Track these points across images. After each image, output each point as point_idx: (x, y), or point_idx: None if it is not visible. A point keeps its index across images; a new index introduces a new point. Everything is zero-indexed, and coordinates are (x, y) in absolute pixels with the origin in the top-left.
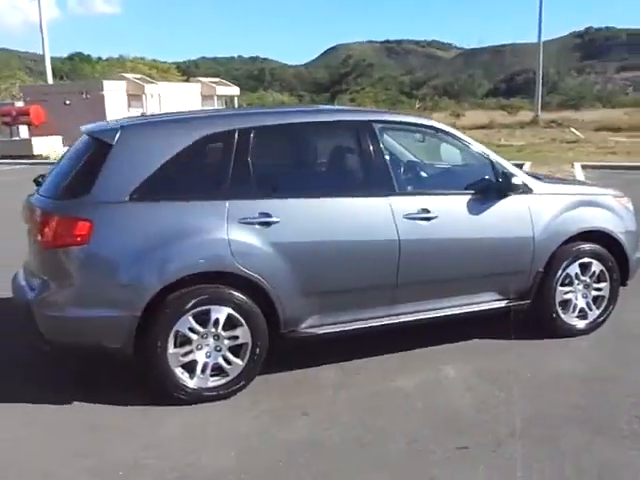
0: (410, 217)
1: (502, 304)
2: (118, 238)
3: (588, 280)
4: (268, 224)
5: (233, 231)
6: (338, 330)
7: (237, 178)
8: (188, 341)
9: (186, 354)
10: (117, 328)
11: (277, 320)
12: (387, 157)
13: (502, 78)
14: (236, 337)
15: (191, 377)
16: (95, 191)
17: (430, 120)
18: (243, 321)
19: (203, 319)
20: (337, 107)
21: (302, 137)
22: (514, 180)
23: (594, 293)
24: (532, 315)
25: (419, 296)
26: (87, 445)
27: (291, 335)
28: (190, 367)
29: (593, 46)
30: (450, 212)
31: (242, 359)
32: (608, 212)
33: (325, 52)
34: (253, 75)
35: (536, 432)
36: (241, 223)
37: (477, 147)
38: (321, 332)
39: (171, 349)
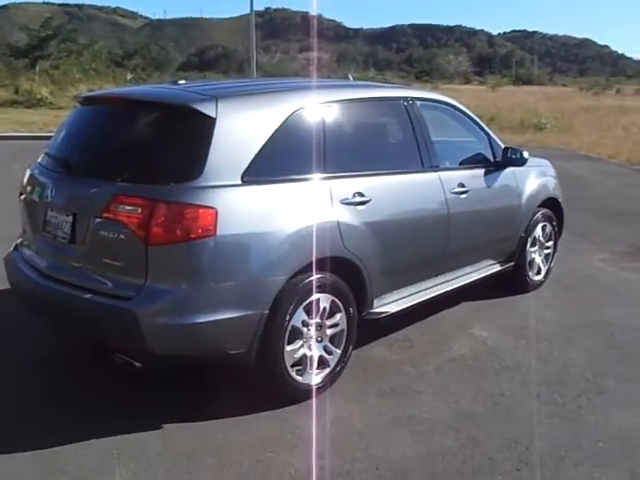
0: (454, 192)
1: (498, 267)
2: (240, 226)
3: (543, 240)
4: (362, 203)
5: (338, 213)
6: (405, 307)
7: (332, 155)
8: (299, 335)
9: (297, 350)
10: (245, 330)
11: (365, 302)
12: (431, 134)
13: (194, 52)
14: (336, 325)
15: (299, 374)
16: (208, 174)
17: (449, 98)
18: (342, 307)
19: (310, 309)
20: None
21: (382, 112)
22: (524, 154)
23: (545, 251)
24: (511, 275)
25: (455, 265)
26: None
27: (367, 317)
28: (299, 363)
29: (272, 25)
30: (475, 185)
31: (339, 347)
32: (554, 180)
33: None
34: None
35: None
36: (343, 204)
37: (482, 124)
38: (394, 310)
39: (287, 347)
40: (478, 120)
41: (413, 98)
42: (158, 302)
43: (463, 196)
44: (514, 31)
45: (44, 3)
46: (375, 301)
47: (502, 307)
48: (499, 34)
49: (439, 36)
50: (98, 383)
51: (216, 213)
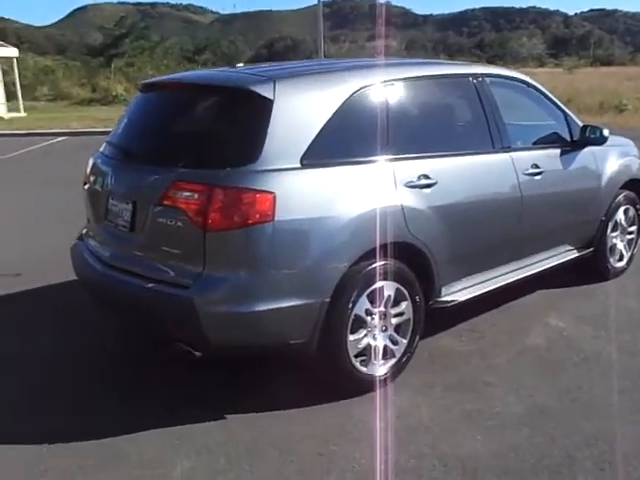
0: (527, 173)
1: (576, 254)
2: (299, 212)
3: (625, 225)
4: (428, 186)
5: (402, 196)
6: (475, 295)
7: (395, 136)
8: (363, 325)
9: (361, 340)
10: (306, 319)
11: (432, 290)
12: (502, 112)
13: (262, 45)
14: (402, 314)
15: (364, 364)
16: (266, 157)
17: (521, 74)
18: (408, 295)
19: (374, 297)
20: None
21: (451, 90)
22: (604, 132)
23: (627, 237)
24: (590, 261)
25: (529, 251)
26: None
27: (435, 305)
28: (363, 354)
29: (341, 16)
30: (550, 166)
31: (404, 337)
32: (638, 160)
33: (72, 13)
34: None
35: None
36: (407, 187)
37: (558, 102)
38: (463, 298)
39: (350, 336)
40: (553, 97)
41: (483, 75)
42: (216, 290)
43: (537, 178)
44: (592, 10)
45: (119, 3)
46: (443, 289)
47: (580, 296)
48: (576, 14)
49: (512, 19)
50: (157, 373)
51: (274, 198)
